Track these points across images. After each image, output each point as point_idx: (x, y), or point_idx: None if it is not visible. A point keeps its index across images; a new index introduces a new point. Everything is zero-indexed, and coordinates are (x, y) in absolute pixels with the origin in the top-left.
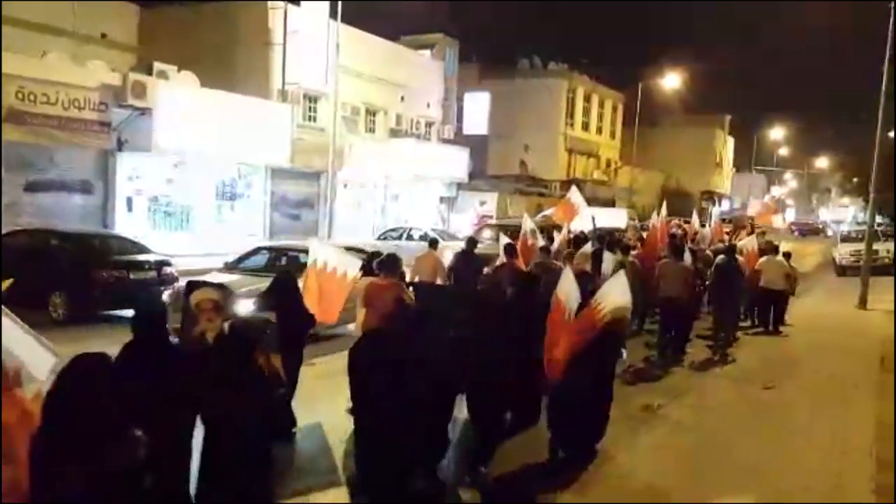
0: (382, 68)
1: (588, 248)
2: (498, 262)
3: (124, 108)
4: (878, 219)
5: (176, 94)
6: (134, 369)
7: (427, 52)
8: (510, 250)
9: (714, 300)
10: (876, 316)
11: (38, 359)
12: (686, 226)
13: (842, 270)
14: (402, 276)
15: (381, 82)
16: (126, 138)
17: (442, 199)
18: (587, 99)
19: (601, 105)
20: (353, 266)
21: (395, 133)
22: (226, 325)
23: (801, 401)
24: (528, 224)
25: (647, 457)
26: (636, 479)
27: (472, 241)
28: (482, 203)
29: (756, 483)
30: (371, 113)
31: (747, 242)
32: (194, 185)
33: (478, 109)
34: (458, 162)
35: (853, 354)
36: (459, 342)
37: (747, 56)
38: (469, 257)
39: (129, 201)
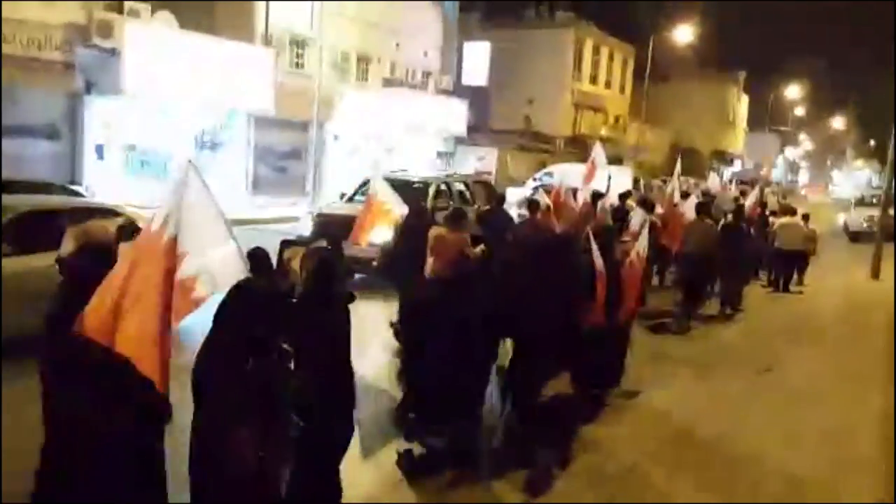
0: (376, 12)
1: (609, 202)
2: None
3: (90, 49)
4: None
5: (147, 35)
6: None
7: None
8: (534, 206)
9: (721, 262)
10: (887, 285)
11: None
12: (695, 188)
13: (855, 236)
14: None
15: (375, 27)
16: (95, 81)
17: (439, 154)
18: (596, 51)
19: (610, 58)
20: (400, 206)
21: (389, 82)
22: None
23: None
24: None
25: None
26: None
27: (500, 199)
28: (480, 159)
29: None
30: (363, 60)
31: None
32: (173, 133)
33: (478, 59)
34: (456, 115)
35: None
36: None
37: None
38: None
39: (100, 149)
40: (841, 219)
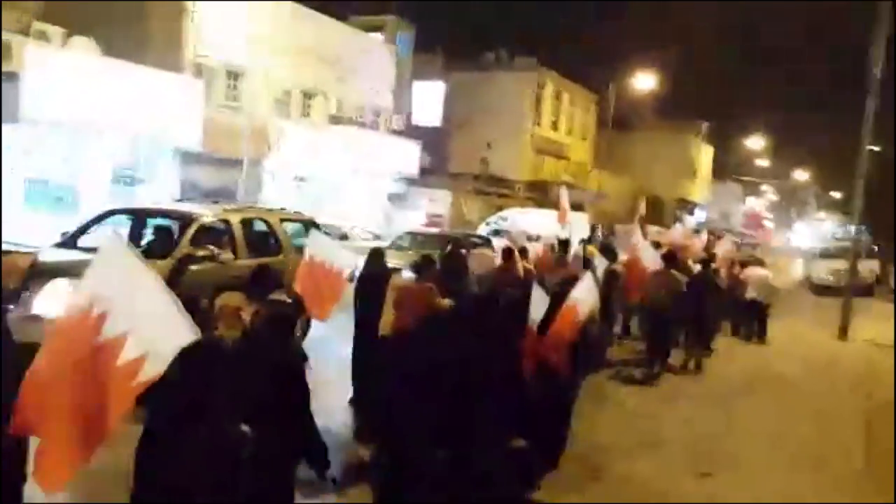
0: (323, 47)
1: (579, 251)
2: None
3: None
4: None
5: (56, 60)
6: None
7: (379, 36)
8: (508, 255)
9: (689, 312)
10: (859, 349)
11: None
12: (659, 237)
13: (818, 290)
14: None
15: (321, 63)
16: None
17: (390, 197)
18: (557, 97)
19: (572, 104)
20: (348, 262)
21: (335, 120)
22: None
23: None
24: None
25: None
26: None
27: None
28: (432, 201)
29: None
30: (307, 96)
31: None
32: (85, 165)
33: (431, 99)
34: (408, 156)
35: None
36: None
37: (730, 61)
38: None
39: None
40: (799, 268)
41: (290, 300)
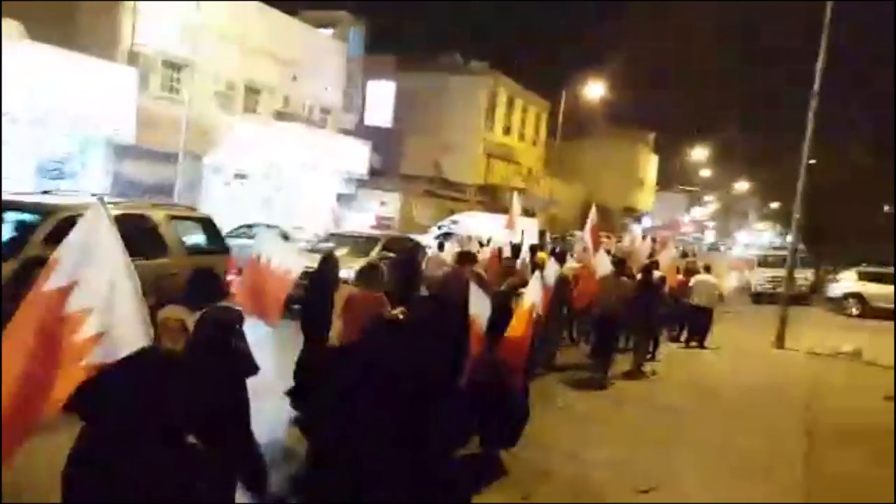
0: (270, 41)
1: (528, 257)
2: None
3: None
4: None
5: None
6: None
7: (329, 32)
8: (464, 258)
9: (637, 318)
10: (795, 358)
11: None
12: (607, 241)
13: (757, 298)
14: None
15: (268, 57)
16: None
17: (339, 197)
18: (510, 103)
19: (525, 110)
20: (297, 265)
21: (282, 116)
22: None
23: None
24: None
25: None
26: None
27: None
28: (382, 204)
29: None
30: (253, 91)
31: (666, 258)
32: (8, 156)
33: (382, 99)
34: (357, 156)
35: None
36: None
37: (676, 73)
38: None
39: None
40: (732, 278)
41: (236, 307)
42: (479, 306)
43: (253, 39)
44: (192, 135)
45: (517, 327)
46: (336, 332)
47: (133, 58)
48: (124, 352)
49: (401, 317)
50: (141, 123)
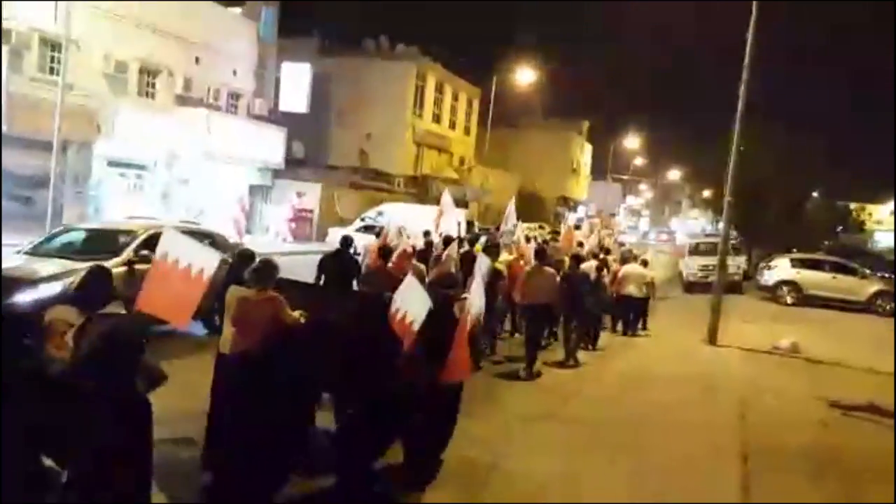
0: (167, 18)
1: (454, 250)
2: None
3: None
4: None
5: None
6: None
7: (237, 10)
8: (386, 252)
9: (565, 307)
10: (729, 358)
11: None
12: (540, 230)
13: (689, 287)
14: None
15: (166, 36)
16: None
17: (252, 189)
18: (439, 89)
19: (455, 97)
20: (210, 263)
21: (183, 100)
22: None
23: None
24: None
25: None
26: None
27: (346, 240)
28: (300, 195)
29: None
30: (148, 72)
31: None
32: None
33: (297, 83)
34: (272, 144)
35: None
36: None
37: (607, 61)
38: (342, 258)
39: None
40: (672, 265)
41: (132, 314)
42: (413, 302)
43: (148, 16)
44: (77, 121)
45: (460, 344)
46: (226, 338)
47: (5, 36)
48: None
49: (302, 320)
50: (14, 108)
